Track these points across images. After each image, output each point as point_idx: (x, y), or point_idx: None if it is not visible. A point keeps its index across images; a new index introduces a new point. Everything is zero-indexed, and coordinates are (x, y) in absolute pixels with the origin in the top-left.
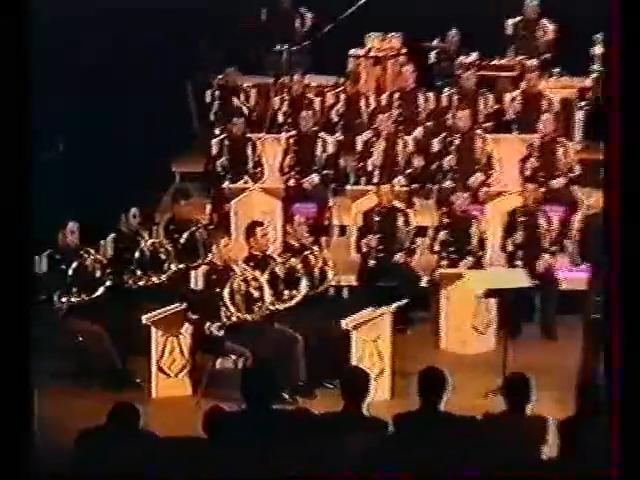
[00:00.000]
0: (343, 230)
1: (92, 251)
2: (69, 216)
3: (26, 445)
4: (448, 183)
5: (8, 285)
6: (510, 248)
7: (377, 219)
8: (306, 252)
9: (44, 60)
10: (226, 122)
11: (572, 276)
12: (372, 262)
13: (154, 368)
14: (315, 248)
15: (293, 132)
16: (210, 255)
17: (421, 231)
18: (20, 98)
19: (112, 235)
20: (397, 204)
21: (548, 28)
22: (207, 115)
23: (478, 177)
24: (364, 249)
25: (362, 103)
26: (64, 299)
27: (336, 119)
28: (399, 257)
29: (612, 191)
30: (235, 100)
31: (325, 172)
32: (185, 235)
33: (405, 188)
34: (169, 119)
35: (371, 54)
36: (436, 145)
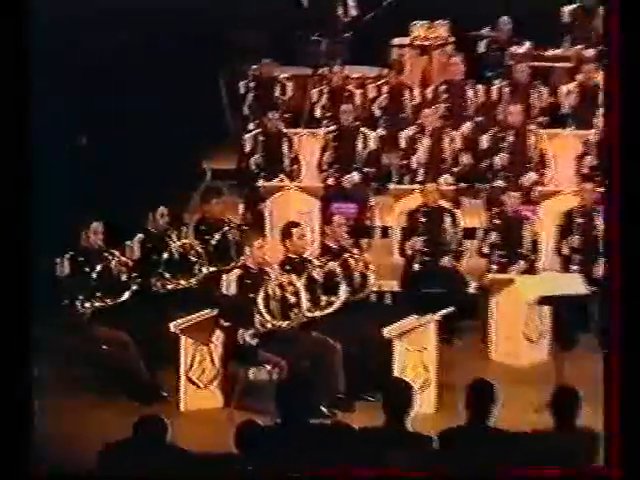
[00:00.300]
0: (385, 232)
1: (117, 253)
2: (93, 216)
3: (26, 446)
4: (499, 182)
5: (8, 286)
6: (565, 251)
7: (422, 220)
8: (346, 255)
9: (46, 60)
10: (261, 116)
11: None
12: (417, 266)
13: (183, 378)
14: (355, 251)
15: (332, 127)
16: (243, 258)
17: (469, 233)
18: (20, 98)
19: (139, 236)
20: (443, 204)
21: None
22: (240, 109)
23: (531, 176)
24: (408, 252)
25: (406, 96)
26: (87, 304)
27: (378, 113)
28: (445, 261)
29: (612, 191)
30: (271, 92)
31: (366, 170)
32: (216, 236)
33: (452, 187)
34: (200, 113)
35: (416, 43)
36: (486, 141)
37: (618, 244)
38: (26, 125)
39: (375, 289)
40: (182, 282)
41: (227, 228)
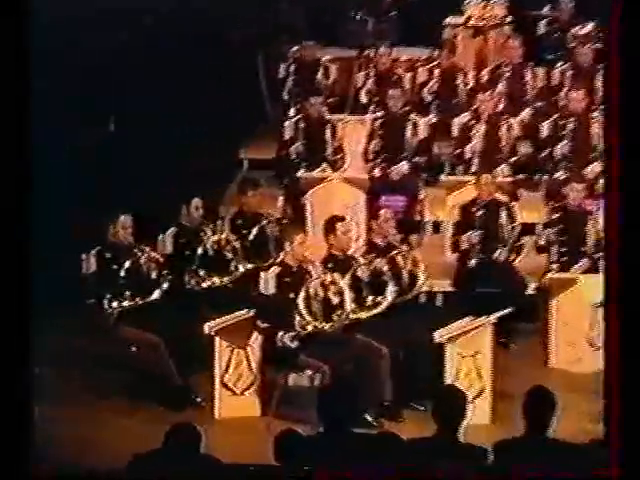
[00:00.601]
0: (436, 227)
1: (147, 249)
2: (121, 209)
3: (26, 446)
4: (560, 173)
5: (7, 286)
6: None
7: (476, 214)
8: (394, 252)
9: (46, 60)
10: (302, 101)
11: None
12: (472, 263)
13: (218, 384)
14: (404, 247)
15: (379, 113)
16: (283, 254)
17: (527, 228)
18: (20, 98)
19: (171, 230)
20: (499, 197)
21: None
22: (280, 94)
23: (595, 166)
24: (463, 248)
25: (459, 80)
26: (115, 303)
27: (429, 98)
28: (502, 259)
29: (612, 191)
30: (313, 76)
31: (416, 159)
32: (254, 231)
33: (509, 178)
34: (236, 99)
35: (470, 23)
36: (546, 129)
37: (618, 244)
38: (26, 122)
39: (425, 289)
40: (217, 280)
41: (265, 222)
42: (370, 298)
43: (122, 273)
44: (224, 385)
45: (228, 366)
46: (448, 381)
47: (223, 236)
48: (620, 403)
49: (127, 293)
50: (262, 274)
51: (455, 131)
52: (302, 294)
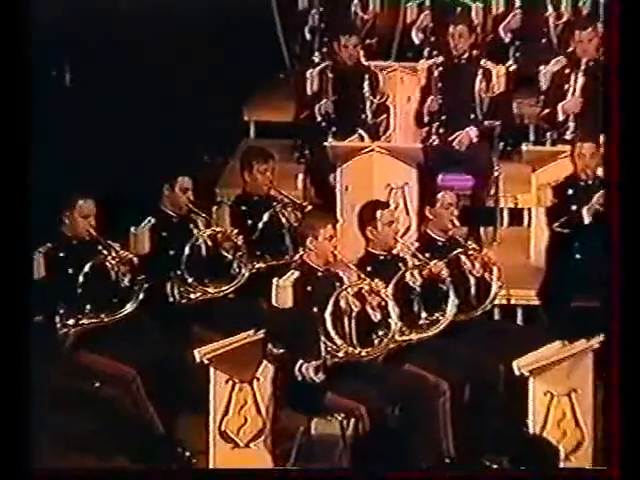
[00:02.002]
0: (517, 216)
1: (117, 245)
2: (80, 191)
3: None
4: None
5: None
6: None
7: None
8: (457, 250)
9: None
10: (330, 43)
11: None
12: (565, 267)
13: (214, 432)
14: (471, 244)
15: (438, 59)
16: (303, 253)
17: None
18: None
19: (149, 220)
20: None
21: None
22: (301, 31)
23: None
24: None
25: (549, 12)
26: (71, 321)
27: (507, 38)
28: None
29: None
30: (345, 8)
31: (488, 123)
32: (264, 219)
33: None
34: (239, 38)
35: None
36: None
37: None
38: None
39: (501, 302)
40: (211, 289)
41: (279, 209)
42: (424, 314)
43: (81, 279)
44: (223, 434)
45: (228, 407)
46: (532, 429)
47: (220, 229)
48: (620, 403)
49: (88, 307)
50: (274, 280)
51: (543, 84)
52: (330, 308)
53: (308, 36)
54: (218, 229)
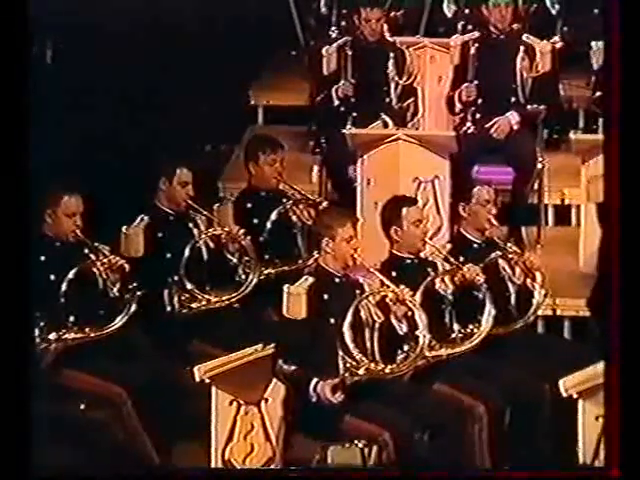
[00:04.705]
0: (564, 214)
1: (106, 248)
2: (64, 185)
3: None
4: None
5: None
6: None
7: None
8: (495, 254)
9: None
10: (349, 16)
11: None
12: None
13: (216, 462)
14: (511, 247)
15: (473, 34)
16: (318, 256)
17: None
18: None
19: (142, 219)
20: None
21: None
22: (315, 4)
23: None
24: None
25: None
26: (52, 335)
27: (554, 10)
28: None
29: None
30: None
31: (531, 107)
32: (272, 217)
33: None
34: (246, 11)
35: None
36: None
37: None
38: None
39: (545, 312)
40: (213, 298)
41: (290, 206)
42: (456, 327)
43: (64, 287)
44: (226, 463)
45: (232, 433)
46: (583, 457)
47: (223, 229)
48: (620, 403)
49: (71, 319)
50: (285, 287)
51: (595, 62)
52: (349, 319)
53: (323, 9)
54: (222, 229)
